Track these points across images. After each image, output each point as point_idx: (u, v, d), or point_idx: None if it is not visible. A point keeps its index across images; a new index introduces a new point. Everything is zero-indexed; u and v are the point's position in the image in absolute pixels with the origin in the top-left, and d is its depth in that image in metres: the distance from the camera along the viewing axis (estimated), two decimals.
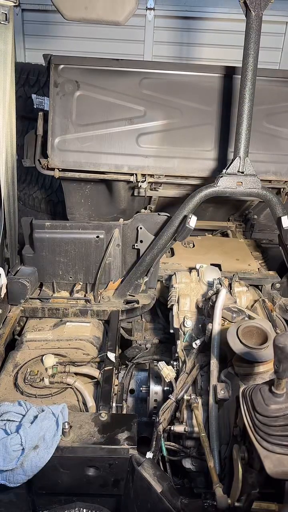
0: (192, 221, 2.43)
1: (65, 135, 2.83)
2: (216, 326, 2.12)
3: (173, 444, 2.03)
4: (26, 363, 2.22)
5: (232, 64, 2.85)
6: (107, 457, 1.69)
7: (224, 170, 2.48)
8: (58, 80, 2.80)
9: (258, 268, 3.03)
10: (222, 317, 2.16)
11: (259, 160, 2.82)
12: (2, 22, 1.97)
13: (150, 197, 3.12)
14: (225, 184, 2.45)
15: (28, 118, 4.60)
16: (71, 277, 2.76)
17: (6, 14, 1.96)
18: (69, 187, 3.16)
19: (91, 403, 2.04)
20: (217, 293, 2.27)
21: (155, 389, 2.32)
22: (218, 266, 2.88)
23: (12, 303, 2.60)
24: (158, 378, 2.33)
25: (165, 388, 2.30)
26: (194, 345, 2.24)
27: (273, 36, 5.61)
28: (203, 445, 1.81)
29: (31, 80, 4.67)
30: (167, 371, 2.15)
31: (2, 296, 2.48)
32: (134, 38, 5.72)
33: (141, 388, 2.41)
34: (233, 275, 2.76)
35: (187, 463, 2.00)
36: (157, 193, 3.05)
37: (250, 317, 2.19)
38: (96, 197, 3.22)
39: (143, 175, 2.84)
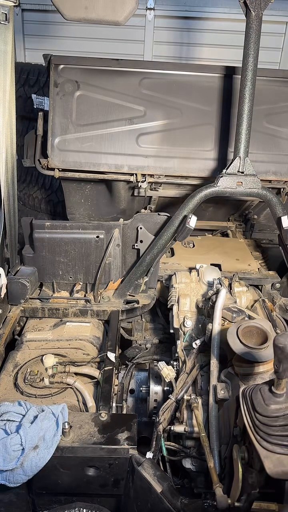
0: (192, 221, 2.43)
1: (65, 135, 2.83)
2: (216, 326, 2.13)
3: (173, 444, 2.03)
4: (26, 363, 2.22)
5: (232, 64, 2.85)
6: (107, 457, 1.69)
7: (224, 170, 2.48)
8: (58, 80, 2.80)
9: (258, 268, 3.03)
10: (222, 317, 2.16)
11: (259, 160, 2.83)
12: (2, 22, 1.97)
13: (150, 197, 3.12)
14: (225, 184, 2.45)
15: (28, 118, 4.61)
16: (71, 277, 2.76)
17: (6, 14, 1.97)
18: (69, 187, 3.16)
19: (91, 403, 2.04)
20: (217, 293, 2.27)
21: (155, 389, 2.32)
22: (218, 266, 2.88)
23: (12, 303, 2.60)
24: (158, 378, 2.33)
25: (165, 388, 2.30)
26: (194, 345, 2.24)
27: (273, 36, 5.60)
28: (203, 445, 1.81)
29: (31, 80, 4.67)
30: (167, 371, 2.16)
31: (2, 296, 2.48)
32: (134, 38, 5.71)
33: (141, 388, 2.41)
34: (233, 275, 2.76)
35: (187, 463, 2.00)
36: (157, 193, 3.05)
37: (250, 317, 2.19)
38: (96, 197, 3.22)
39: (143, 175, 2.84)
